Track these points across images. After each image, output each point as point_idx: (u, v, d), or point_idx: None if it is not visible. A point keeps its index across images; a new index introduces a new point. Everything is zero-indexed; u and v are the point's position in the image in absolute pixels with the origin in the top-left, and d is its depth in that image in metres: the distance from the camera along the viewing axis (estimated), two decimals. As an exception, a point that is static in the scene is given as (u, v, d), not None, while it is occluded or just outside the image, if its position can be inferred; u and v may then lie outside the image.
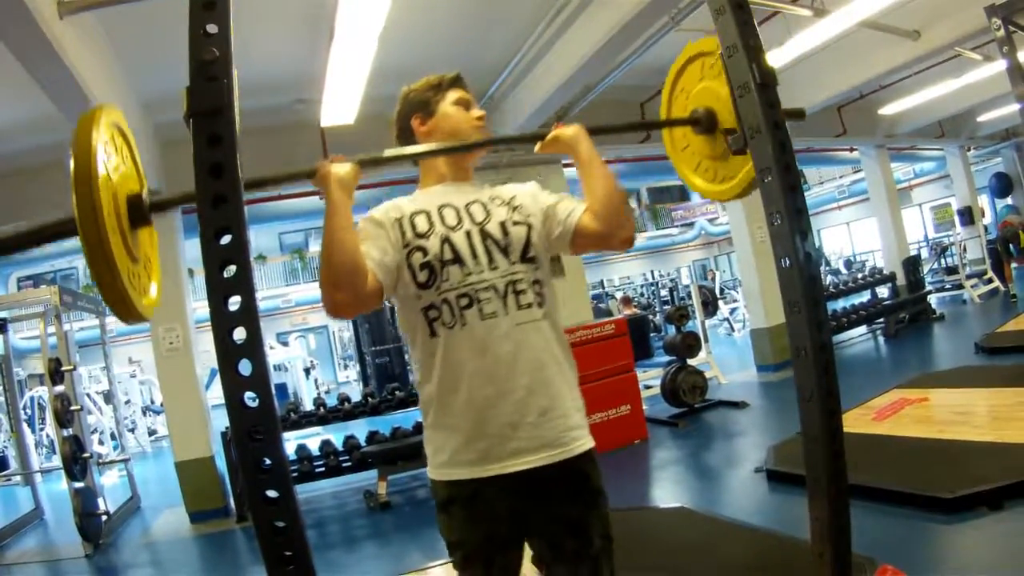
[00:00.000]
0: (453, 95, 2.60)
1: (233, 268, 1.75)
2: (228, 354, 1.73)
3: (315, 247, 30.30)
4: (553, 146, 2.62)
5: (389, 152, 2.57)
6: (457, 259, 2.25)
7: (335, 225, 2.18)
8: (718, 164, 2.90)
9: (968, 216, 18.29)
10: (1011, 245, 15.27)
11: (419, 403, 2.42)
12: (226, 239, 1.75)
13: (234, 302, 1.75)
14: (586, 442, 2.40)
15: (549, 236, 2.43)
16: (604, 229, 2.37)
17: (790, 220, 2.68)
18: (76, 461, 7.77)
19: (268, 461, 1.77)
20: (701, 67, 2.91)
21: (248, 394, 1.74)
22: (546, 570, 2.36)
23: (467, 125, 2.54)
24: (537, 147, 2.68)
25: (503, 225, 2.34)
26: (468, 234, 2.30)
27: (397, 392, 8.82)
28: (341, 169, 2.29)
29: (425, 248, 2.26)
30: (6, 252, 2.21)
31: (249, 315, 1.75)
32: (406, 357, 16.64)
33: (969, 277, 16.07)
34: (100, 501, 8.25)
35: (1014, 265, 15.08)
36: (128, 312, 2.03)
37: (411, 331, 2.35)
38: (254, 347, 1.74)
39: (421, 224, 2.32)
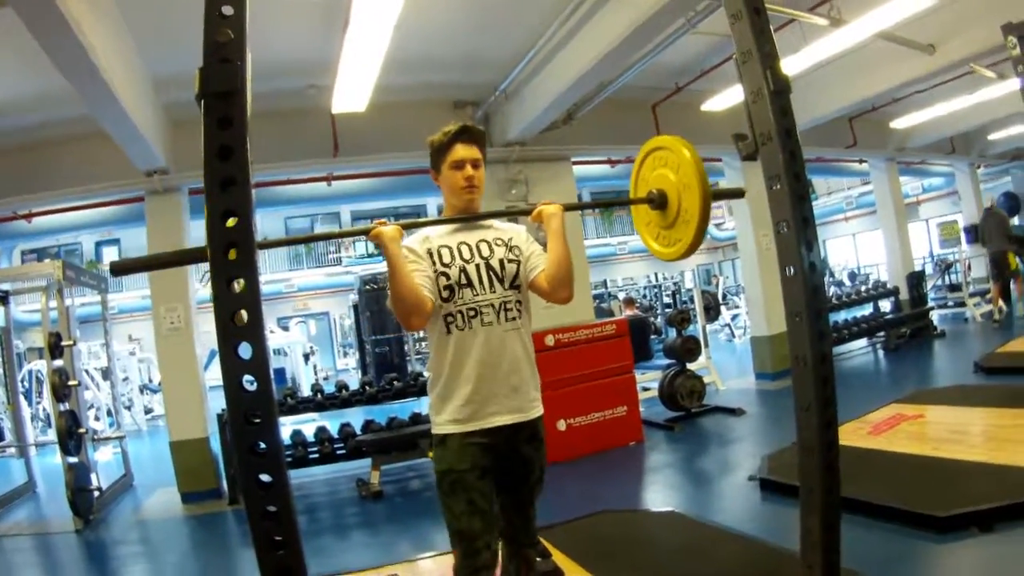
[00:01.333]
0: (451, 156, 3.36)
1: (237, 251, 1.75)
2: (229, 336, 1.73)
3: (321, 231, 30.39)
4: (537, 218, 3.44)
5: (422, 220, 3.73)
6: (469, 284, 3.24)
7: (400, 271, 3.04)
8: (668, 232, 3.62)
9: (974, 234, 18.18)
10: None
11: (430, 378, 3.38)
12: (232, 222, 1.75)
13: (237, 285, 1.75)
14: (539, 410, 3.45)
15: (523, 268, 3.38)
16: (548, 290, 3.34)
17: (797, 229, 2.68)
18: (71, 436, 7.77)
19: (263, 445, 1.77)
20: (655, 159, 3.65)
21: (247, 377, 1.74)
22: (500, 492, 3.37)
23: (458, 187, 3.36)
24: (530, 218, 3.50)
25: (501, 262, 3.32)
26: (477, 267, 3.27)
27: (395, 382, 8.83)
28: (391, 230, 3.10)
29: (448, 275, 3.23)
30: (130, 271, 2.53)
31: (251, 299, 1.75)
32: (406, 348, 16.67)
33: (972, 295, 16.03)
34: (93, 477, 8.24)
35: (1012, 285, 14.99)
36: None
37: (431, 328, 3.30)
38: (255, 331, 1.74)
39: (445, 256, 3.26)
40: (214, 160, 1.76)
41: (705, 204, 3.31)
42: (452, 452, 3.22)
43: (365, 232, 3.12)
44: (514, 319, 3.30)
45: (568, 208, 3.50)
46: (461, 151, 3.34)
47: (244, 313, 1.74)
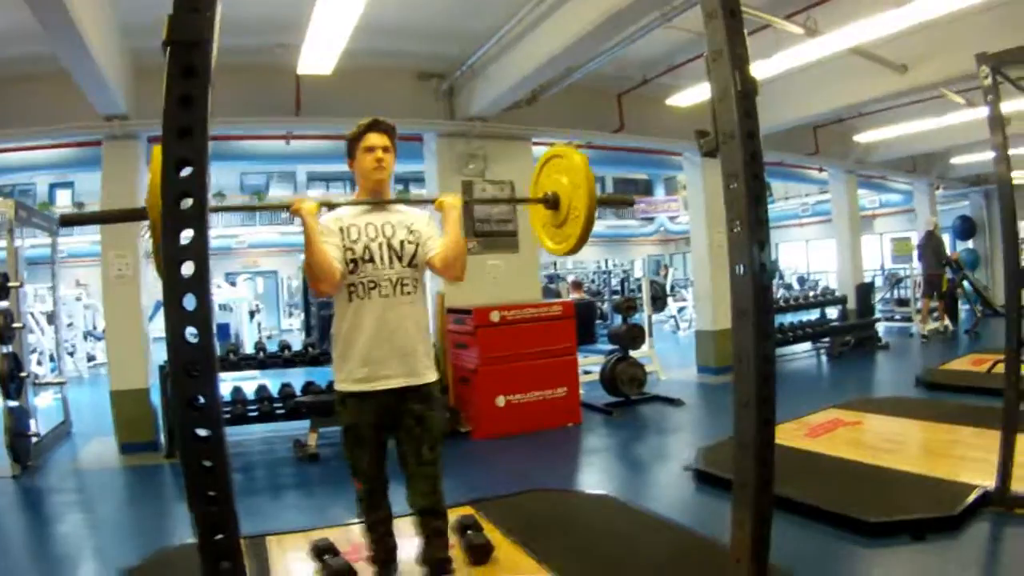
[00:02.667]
0: (364, 143, 3.83)
1: (190, 201, 1.74)
2: (174, 287, 1.72)
3: (275, 191, 30.13)
4: (439, 207, 3.92)
5: (336, 200, 4.19)
6: (371, 260, 3.70)
7: (315, 242, 3.51)
8: (559, 230, 4.16)
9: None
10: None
11: (332, 340, 3.86)
12: (186, 171, 1.74)
13: (186, 236, 1.74)
14: (431, 376, 3.84)
15: (422, 251, 3.82)
16: (440, 268, 3.78)
17: (750, 229, 2.70)
18: (13, 379, 7.67)
19: (202, 399, 1.77)
20: (551, 166, 4.18)
21: (189, 329, 1.74)
22: (399, 448, 3.84)
23: (369, 168, 3.82)
24: (434, 205, 4.00)
25: (402, 243, 3.78)
26: (380, 245, 3.73)
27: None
28: (310, 205, 3.58)
29: (354, 250, 3.69)
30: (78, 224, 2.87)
31: (199, 251, 1.74)
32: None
33: (919, 312, 16.27)
34: (32, 423, 8.17)
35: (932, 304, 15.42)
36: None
37: (337, 296, 3.75)
38: (201, 283, 1.73)
39: (353, 234, 3.72)
40: (174, 107, 1.75)
41: (590, 203, 3.88)
42: (351, 410, 3.76)
43: (287, 206, 3.63)
44: (409, 293, 3.77)
45: (468, 202, 4.04)
46: (373, 139, 3.83)
47: (191, 264, 1.73)
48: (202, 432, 1.77)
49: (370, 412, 3.73)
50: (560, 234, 4.15)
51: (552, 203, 4.12)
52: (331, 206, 3.92)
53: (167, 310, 1.72)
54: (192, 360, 1.75)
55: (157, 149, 2.10)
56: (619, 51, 8.11)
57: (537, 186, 4.28)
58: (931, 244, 15.13)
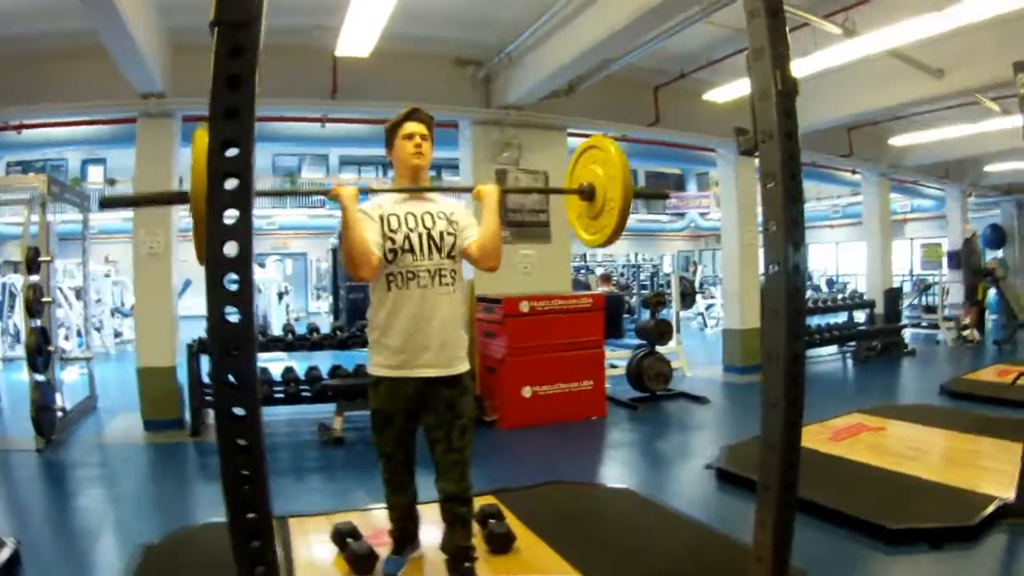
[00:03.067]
0: (403, 131, 3.90)
1: (235, 182, 1.75)
2: (217, 266, 1.74)
3: (307, 173, 30.21)
4: (477, 196, 4.01)
5: (375, 186, 4.29)
6: (411, 250, 3.73)
7: (355, 226, 3.54)
8: (593, 222, 4.19)
9: (957, 260, 18.30)
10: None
11: (369, 326, 3.94)
12: (232, 152, 1.76)
13: (230, 216, 1.76)
14: (463, 366, 3.89)
15: (460, 238, 3.86)
16: (477, 257, 3.82)
17: (786, 229, 2.70)
18: (40, 353, 7.73)
19: (239, 378, 1.78)
20: (587, 157, 4.19)
21: (230, 309, 1.75)
22: (429, 435, 3.88)
23: (408, 154, 3.87)
24: (472, 195, 4.10)
25: (441, 234, 3.80)
26: (420, 235, 3.76)
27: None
28: (350, 190, 3.61)
29: (393, 239, 3.71)
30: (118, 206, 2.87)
31: (243, 231, 1.75)
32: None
33: (947, 319, 16.14)
34: (58, 396, 8.24)
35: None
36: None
37: (374, 283, 3.79)
38: (243, 263, 1.75)
39: (393, 223, 3.74)
40: (222, 88, 1.76)
41: (626, 194, 3.89)
42: (383, 394, 3.85)
43: (326, 192, 3.71)
44: (447, 284, 3.79)
45: (505, 191, 4.15)
46: (411, 126, 3.90)
47: (235, 245, 1.75)
48: (239, 411, 1.79)
49: (401, 398, 3.80)
50: (595, 225, 4.17)
51: (588, 194, 4.12)
52: (370, 192, 3.99)
53: (209, 290, 1.73)
54: (231, 340, 1.76)
55: (200, 132, 2.12)
56: (658, 44, 8.08)
57: (573, 176, 4.31)
58: (967, 251, 15.03)
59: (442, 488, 3.85)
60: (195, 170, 2.20)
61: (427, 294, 3.72)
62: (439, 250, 3.78)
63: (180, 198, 2.43)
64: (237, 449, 1.82)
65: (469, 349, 8.64)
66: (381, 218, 3.73)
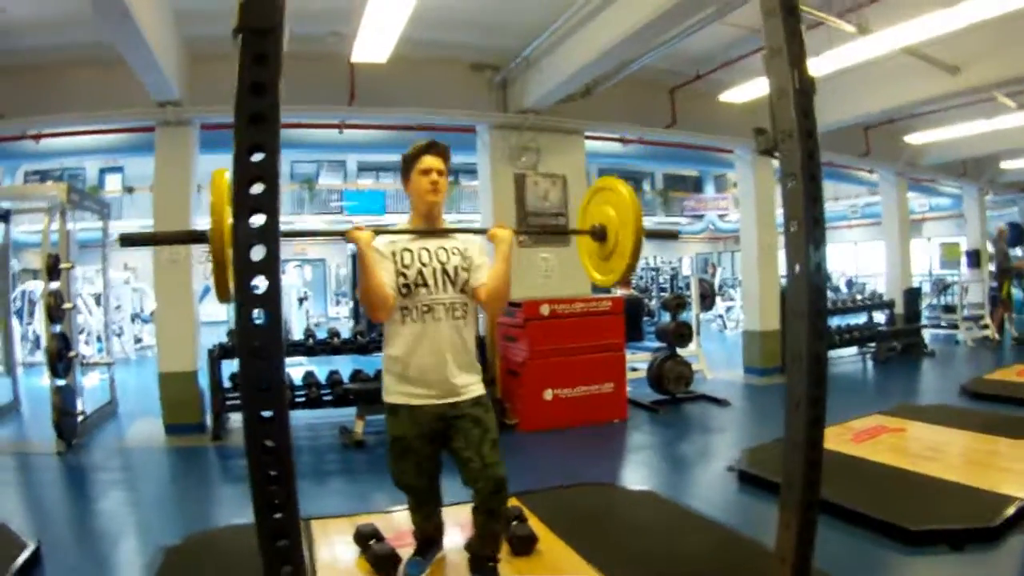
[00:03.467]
0: (420, 165, 3.88)
1: (261, 186, 1.77)
2: (244, 270, 1.76)
3: (324, 179, 30.30)
4: (491, 238, 3.92)
5: (394, 227, 4.19)
6: (425, 284, 3.78)
7: (371, 271, 3.59)
8: (604, 263, 4.20)
9: (975, 259, 18.20)
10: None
11: (384, 358, 3.97)
12: (258, 157, 1.77)
13: (257, 220, 1.77)
14: (477, 391, 3.92)
15: (472, 275, 3.90)
16: (484, 301, 3.86)
17: (807, 229, 2.70)
18: (61, 358, 7.80)
19: (267, 380, 1.80)
20: (600, 197, 4.20)
21: (257, 312, 1.77)
22: (460, 455, 3.83)
23: (424, 190, 3.86)
24: (486, 235, 4.00)
25: (456, 269, 3.85)
26: (434, 270, 3.80)
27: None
28: (366, 235, 3.62)
29: (406, 274, 3.76)
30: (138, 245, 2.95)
31: (270, 234, 1.77)
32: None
33: (966, 319, 16.06)
34: (79, 401, 8.30)
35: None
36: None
37: (389, 317, 3.79)
38: (271, 267, 1.77)
39: (407, 259, 3.79)
40: (246, 95, 1.78)
41: (637, 236, 3.87)
42: (403, 420, 3.85)
43: (343, 233, 3.66)
44: (460, 318, 3.85)
45: (519, 232, 4.25)
46: (428, 160, 3.88)
47: (262, 248, 1.76)
48: (266, 413, 1.81)
49: (420, 420, 3.82)
50: (606, 266, 4.19)
51: (599, 235, 4.15)
52: (386, 231, 4.01)
53: (237, 293, 1.75)
54: (259, 342, 1.78)
55: (219, 173, 2.18)
56: (674, 45, 8.09)
57: (585, 216, 4.34)
58: (998, 248, 14.98)
59: (480, 503, 3.86)
60: (214, 210, 2.21)
61: (441, 327, 3.78)
62: (453, 285, 3.84)
63: (200, 237, 2.37)
64: (264, 450, 1.83)
65: (489, 353, 8.70)
66: (394, 254, 3.78)
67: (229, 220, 1.99)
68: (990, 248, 17.12)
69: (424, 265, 3.79)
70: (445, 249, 3.88)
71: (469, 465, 3.79)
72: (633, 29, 7.00)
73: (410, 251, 3.81)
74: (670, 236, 4.59)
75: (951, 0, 6.98)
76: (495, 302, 3.88)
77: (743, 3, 6.81)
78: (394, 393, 3.87)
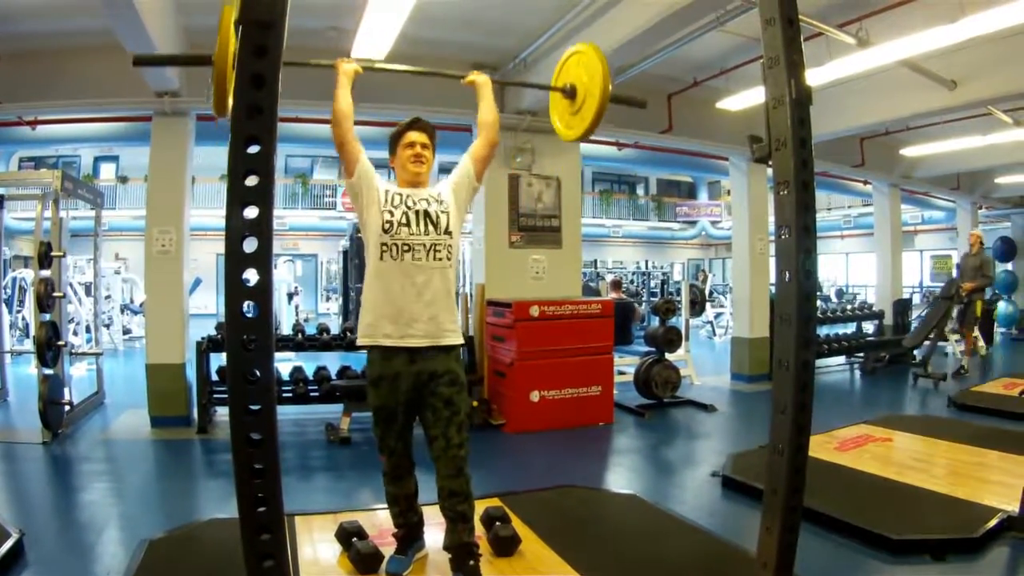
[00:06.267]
0: (405, 140, 4.16)
1: (256, 179, 1.77)
2: (236, 262, 1.76)
3: (318, 175, 30.29)
4: (470, 83, 4.31)
5: (380, 65, 4.75)
6: (407, 224, 3.92)
7: (341, 90, 3.96)
8: (572, 118, 4.49)
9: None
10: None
11: (363, 296, 4.08)
12: (254, 149, 1.77)
13: (250, 212, 1.77)
14: (455, 339, 4.03)
15: (461, 198, 4.18)
16: (481, 127, 4.22)
17: (798, 236, 2.71)
18: (50, 347, 7.77)
19: (256, 373, 1.80)
20: (576, 59, 4.44)
21: (248, 304, 1.77)
22: (427, 432, 4.00)
23: (407, 160, 4.12)
24: (463, 81, 4.36)
25: (436, 213, 4.00)
26: (417, 213, 3.96)
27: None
28: (350, 66, 4.05)
29: (392, 211, 3.93)
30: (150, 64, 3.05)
31: (262, 227, 1.77)
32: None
33: (954, 332, 16.09)
34: (66, 391, 8.27)
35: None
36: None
37: (368, 251, 3.98)
38: (263, 260, 1.77)
39: (394, 200, 3.97)
40: (245, 87, 1.78)
41: (604, 94, 4.21)
42: (383, 391, 3.98)
43: (330, 66, 4.07)
44: (440, 260, 3.97)
45: (496, 82, 4.49)
46: (413, 136, 4.15)
47: (254, 241, 1.77)
48: (254, 406, 1.81)
49: (398, 391, 3.95)
50: (574, 120, 4.48)
51: (570, 93, 4.43)
52: (373, 70, 4.39)
53: (228, 284, 1.75)
54: (249, 334, 1.78)
55: (228, 8, 2.29)
56: (671, 52, 8.11)
57: (560, 75, 4.56)
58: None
59: (442, 485, 3.97)
60: (221, 31, 2.47)
61: (421, 267, 3.90)
62: (435, 226, 3.98)
63: (206, 60, 2.69)
64: (250, 443, 1.83)
65: (477, 352, 8.69)
66: (386, 192, 4.01)
67: (233, 43, 2.10)
68: (955, 259, 16.50)
69: (409, 208, 3.96)
70: (426, 199, 4.04)
71: (434, 443, 3.96)
72: (632, 35, 7.01)
73: (399, 195, 4.01)
74: (637, 104, 4.70)
75: (951, 15, 7.02)
76: (490, 127, 4.24)
77: (743, 11, 6.83)
78: (367, 336, 3.99)
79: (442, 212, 4.03)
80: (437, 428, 3.93)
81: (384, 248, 3.89)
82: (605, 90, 4.18)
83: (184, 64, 4.22)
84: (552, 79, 4.62)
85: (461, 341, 4.11)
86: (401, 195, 4.01)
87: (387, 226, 3.89)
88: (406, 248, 3.88)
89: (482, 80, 4.28)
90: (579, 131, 4.43)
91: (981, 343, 15.23)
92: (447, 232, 4.01)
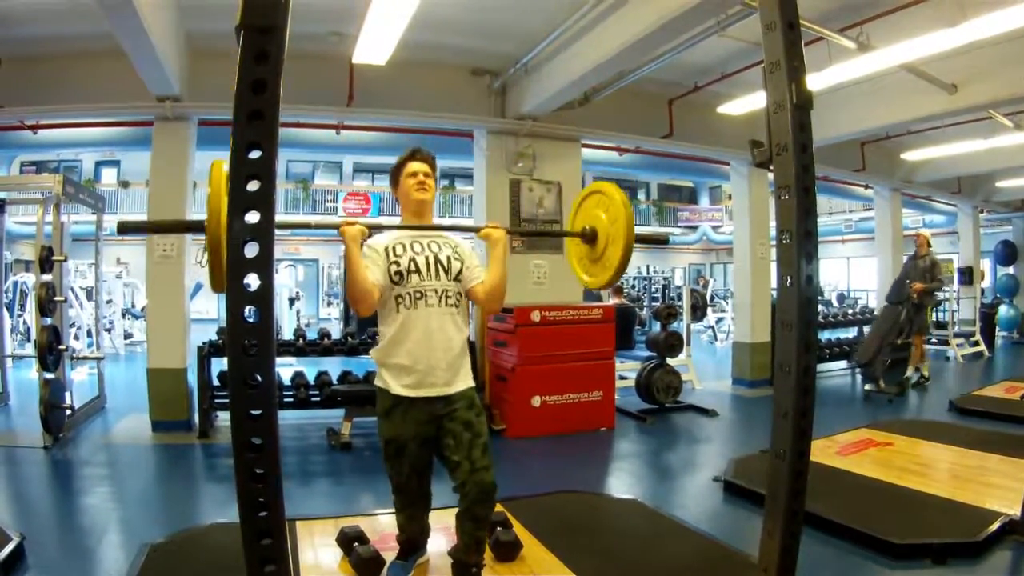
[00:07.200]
0: (407, 170, 4.10)
1: (257, 184, 1.77)
2: (238, 266, 1.76)
3: (320, 180, 30.25)
4: (484, 237, 4.03)
5: (385, 223, 4.42)
6: (417, 271, 3.85)
7: (355, 265, 3.67)
8: (592, 266, 4.28)
9: (968, 276, 18.29)
10: None
11: (379, 347, 3.95)
12: (255, 154, 1.78)
13: (251, 217, 1.78)
14: (468, 383, 3.98)
15: (465, 263, 4.02)
16: (483, 300, 3.98)
17: (799, 241, 2.71)
18: (51, 351, 7.77)
19: (257, 378, 1.80)
20: (596, 200, 4.22)
21: (249, 309, 1.77)
22: (450, 459, 3.86)
23: (411, 189, 4.05)
24: (477, 234, 4.11)
25: (448, 258, 3.94)
26: (427, 258, 3.89)
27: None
28: (354, 230, 3.68)
29: (399, 262, 3.84)
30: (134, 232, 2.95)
31: (264, 232, 1.77)
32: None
33: (956, 336, 16.10)
34: (67, 395, 8.27)
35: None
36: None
37: (383, 305, 3.87)
38: (264, 264, 1.77)
39: (398, 251, 3.88)
40: (246, 92, 1.78)
41: (628, 240, 3.93)
42: (396, 422, 3.89)
43: (336, 227, 3.72)
44: (452, 305, 3.91)
45: (511, 232, 4.17)
46: (415, 166, 4.10)
47: (256, 246, 1.77)
48: (255, 411, 1.81)
49: (413, 423, 3.86)
50: (594, 268, 4.28)
51: (590, 238, 4.20)
52: (378, 229, 4.12)
53: (229, 289, 1.76)
54: (250, 338, 1.78)
55: (217, 164, 2.20)
56: (673, 57, 8.11)
57: (576, 220, 4.38)
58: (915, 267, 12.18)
59: (467, 508, 3.85)
60: (211, 201, 2.24)
61: (434, 313, 3.84)
62: (446, 272, 3.92)
63: (196, 227, 2.44)
64: (251, 448, 1.83)
65: (478, 357, 8.69)
66: (387, 250, 3.89)
67: (226, 211, 1.98)
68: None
69: (417, 254, 3.89)
70: (437, 242, 4.00)
71: (458, 469, 3.81)
72: (633, 40, 7.00)
73: (403, 244, 3.91)
74: (660, 241, 4.62)
75: (951, 19, 7.02)
76: (493, 301, 4.00)
77: (744, 16, 6.83)
78: (387, 386, 3.90)
79: (455, 259, 3.96)
80: (460, 452, 3.82)
81: (399, 300, 3.83)
82: (630, 238, 3.94)
83: (173, 231, 4.11)
84: (568, 219, 4.53)
85: (473, 384, 4.06)
86: (404, 244, 3.93)
87: (396, 278, 3.83)
88: (418, 295, 3.83)
89: (497, 235, 4.02)
90: (602, 281, 4.23)
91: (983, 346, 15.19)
92: (456, 280, 3.96)
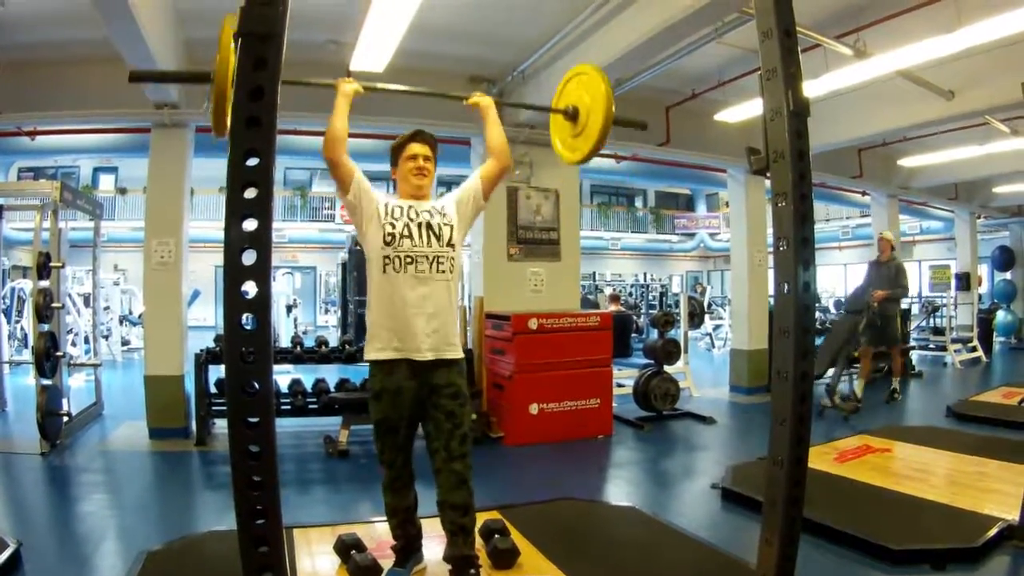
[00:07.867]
0: (407, 152, 4.16)
1: (254, 191, 1.77)
2: (235, 274, 1.76)
3: (317, 187, 30.27)
4: (474, 105, 4.26)
5: (381, 85, 4.37)
6: (410, 236, 3.91)
7: (339, 112, 3.88)
8: (573, 141, 4.41)
9: (965, 282, 18.33)
10: None
11: (367, 311, 4.05)
12: (253, 161, 1.78)
13: (249, 225, 1.78)
14: (458, 353, 4.03)
15: (465, 214, 4.16)
16: (494, 162, 4.17)
17: (796, 248, 2.72)
18: (48, 358, 7.77)
19: (255, 386, 1.80)
20: (578, 82, 4.40)
21: (247, 316, 1.77)
22: (429, 444, 3.98)
23: (409, 173, 4.13)
24: (465, 102, 4.30)
25: (440, 225, 3.99)
26: (419, 225, 3.95)
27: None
28: (351, 87, 3.98)
29: (394, 224, 3.91)
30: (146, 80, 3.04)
31: (262, 239, 1.77)
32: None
33: (954, 341, 16.11)
34: (64, 402, 8.24)
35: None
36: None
37: (370, 265, 3.95)
38: (261, 272, 1.77)
39: (395, 212, 3.96)
40: (244, 99, 1.78)
41: (607, 117, 4.10)
42: (385, 404, 3.95)
43: (331, 85, 4.00)
44: (444, 272, 3.96)
45: (499, 103, 4.57)
46: (415, 148, 4.15)
47: (253, 253, 1.77)
48: (252, 418, 1.80)
49: (401, 404, 3.94)
50: (575, 143, 4.40)
51: (572, 116, 4.35)
52: (374, 90, 4.19)
53: (227, 297, 1.76)
54: (248, 346, 1.78)
55: (228, 18, 2.20)
56: (669, 64, 8.12)
57: (562, 96, 4.52)
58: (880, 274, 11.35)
59: (444, 498, 3.95)
60: (221, 52, 2.36)
61: (424, 279, 3.89)
62: (438, 238, 3.97)
63: (203, 77, 2.68)
64: (249, 456, 1.83)
65: (475, 365, 8.68)
66: (386, 205, 3.99)
67: (233, 59, 2.05)
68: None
69: (411, 220, 3.95)
70: (429, 211, 4.03)
71: (435, 456, 3.95)
72: (630, 48, 7.01)
73: (400, 207, 4.00)
74: (638, 125, 4.65)
75: (948, 26, 7.04)
76: (503, 156, 4.19)
77: (740, 24, 6.85)
78: (375, 350, 3.97)
79: (445, 224, 4.01)
80: (439, 440, 3.91)
81: (387, 261, 3.88)
82: (609, 111, 4.10)
83: (182, 81, 4.21)
84: (552, 100, 4.59)
85: (462, 355, 4.10)
86: (402, 207, 4.00)
87: (389, 239, 3.87)
88: (409, 260, 3.87)
89: (485, 103, 4.25)
90: (582, 154, 4.34)
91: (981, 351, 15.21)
92: (450, 244, 4.00)
